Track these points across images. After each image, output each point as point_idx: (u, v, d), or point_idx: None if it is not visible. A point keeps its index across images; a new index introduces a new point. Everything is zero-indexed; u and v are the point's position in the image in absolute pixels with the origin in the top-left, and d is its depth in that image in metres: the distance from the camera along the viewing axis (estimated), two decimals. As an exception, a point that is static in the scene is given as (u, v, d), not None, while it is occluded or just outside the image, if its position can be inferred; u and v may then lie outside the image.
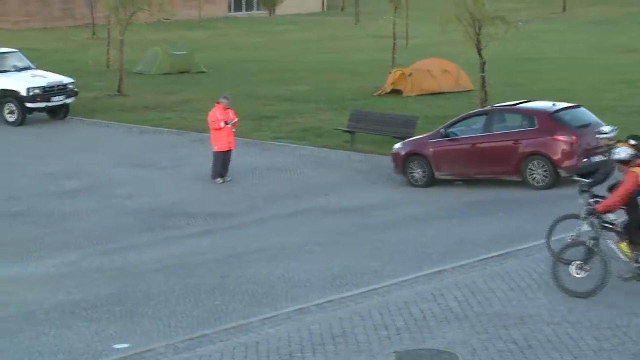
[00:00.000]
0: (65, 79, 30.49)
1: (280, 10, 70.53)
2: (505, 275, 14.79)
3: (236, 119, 23.01)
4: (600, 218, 13.83)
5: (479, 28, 27.78)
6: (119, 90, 34.18)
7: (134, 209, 20.28)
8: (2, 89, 29.23)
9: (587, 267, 13.58)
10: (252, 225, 19.02)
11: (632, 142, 14.09)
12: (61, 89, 30.01)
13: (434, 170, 21.89)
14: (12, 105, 29.20)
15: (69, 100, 30.21)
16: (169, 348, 12.78)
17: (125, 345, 13.00)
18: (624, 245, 13.85)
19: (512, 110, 21.85)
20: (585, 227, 13.94)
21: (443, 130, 22.18)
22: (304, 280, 15.60)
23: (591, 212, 13.85)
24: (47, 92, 29.57)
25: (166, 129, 28.56)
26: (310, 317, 13.64)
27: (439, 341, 12.35)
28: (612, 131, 15.26)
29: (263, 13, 71.60)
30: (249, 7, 72.73)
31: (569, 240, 14.30)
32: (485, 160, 21.19)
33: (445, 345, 12.20)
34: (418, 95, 33.11)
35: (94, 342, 13.20)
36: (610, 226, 13.92)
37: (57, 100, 29.78)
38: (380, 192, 21.48)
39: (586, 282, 13.58)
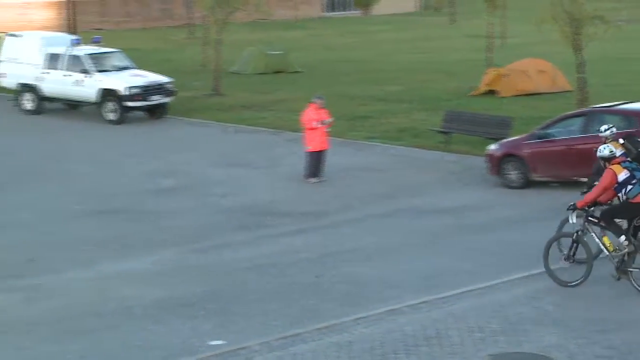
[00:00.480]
0: (164, 79, 30.96)
1: (374, 10, 70.47)
2: (603, 279, 14.51)
3: (330, 119, 23.05)
4: (586, 212, 14.51)
5: (578, 28, 27.30)
6: (215, 90, 34.57)
7: (228, 208, 20.48)
8: (103, 89, 29.81)
9: (573, 257, 14.55)
10: (346, 225, 19.04)
11: (621, 141, 15.01)
12: (159, 89, 30.49)
13: (530, 172, 21.60)
14: (112, 104, 29.76)
15: (166, 100, 30.67)
16: (263, 346, 12.88)
17: (220, 342, 13.14)
18: (606, 239, 14.53)
19: (611, 111, 21.41)
20: (574, 220, 14.63)
21: (539, 131, 21.88)
22: (398, 281, 15.54)
23: (574, 207, 14.57)
24: (146, 91, 30.06)
25: (261, 129, 28.78)
26: (404, 318, 13.59)
27: (534, 345, 12.18)
28: (607, 130, 16.30)
29: (357, 13, 71.63)
30: (344, 8, 72.84)
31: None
32: (583, 162, 20.80)
33: (541, 349, 12.03)
34: (513, 96, 32.72)
35: (190, 338, 13.38)
36: (595, 220, 14.53)
37: (155, 100, 30.26)
38: (474, 193, 21.29)
39: (573, 272, 14.52)
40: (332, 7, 72.42)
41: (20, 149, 26.16)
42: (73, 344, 13.23)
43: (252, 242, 18.05)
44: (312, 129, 22.75)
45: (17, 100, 31.29)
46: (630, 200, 14.20)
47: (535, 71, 34.00)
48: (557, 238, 15.14)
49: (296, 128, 26.01)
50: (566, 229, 15.25)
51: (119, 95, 29.64)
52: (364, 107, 31.72)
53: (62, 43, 31.22)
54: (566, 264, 14.68)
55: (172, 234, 18.66)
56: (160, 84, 30.57)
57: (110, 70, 30.49)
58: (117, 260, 17.07)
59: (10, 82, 31.54)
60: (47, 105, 31.06)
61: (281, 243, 17.95)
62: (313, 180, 22.64)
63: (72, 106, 31.35)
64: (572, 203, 14.77)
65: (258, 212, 20.10)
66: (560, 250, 15.06)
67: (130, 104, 29.76)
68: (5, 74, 31.63)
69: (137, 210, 20.28)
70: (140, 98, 29.89)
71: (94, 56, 30.53)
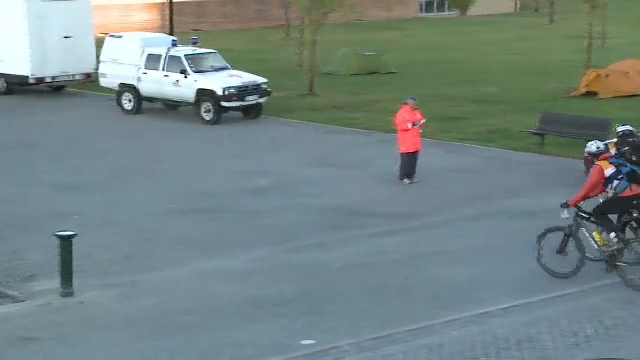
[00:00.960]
0: (258, 79, 31.23)
1: (470, 11, 69.92)
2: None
3: (423, 120, 22.95)
4: (578, 207, 15.09)
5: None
6: (309, 90, 34.73)
7: (320, 208, 20.56)
8: (198, 89, 30.22)
9: (565, 251, 15.16)
10: (437, 227, 18.94)
11: (617, 140, 15.66)
12: (254, 89, 30.76)
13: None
14: (207, 104, 30.15)
15: (261, 100, 30.93)
16: (353, 346, 12.90)
17: (311, 342, 13.20)
18: (597, 235, 15.12)
19: None
20: (567, 215, 15.23)
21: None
22: (489, 284, 15.40)
23: (567, 205, 15.16)
24: (241, 91, 30.36)
25: (354, 129, 28.81)
26: (495, 321, 13.46)
27: (631, 351, 11.94)
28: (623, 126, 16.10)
29: (453, 14, 71.18)
30: (439, 8, 72.45)
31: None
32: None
33: (638, 356, 11.78)
34: (612, 97, 32.11)
35: (281, 337, 13.47)
36: (587, 216, 15.12)
37: (250, 100, 30.54)
38: (569, 196, 20.92)
39: (565, 264, 15.15)
40: (427, 8, 72.10)
41: (118, 148, 26.69)
42: (167, 341, 13.46)
43: (344, 243, 18.09)
44: (404, 130, 22.68)
45: (116, 100, 31.92)
46: (619, 195, 14.63)
47: (636, 72, 33.29)
48: (551, 231, 15.50)
49: (389, 129, 25.98)
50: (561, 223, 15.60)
51: (214, 95, 30.00)
52: (458, 109, 31.51)
53: (160, 44, 31.75)
54: (559, 257, 15.26)
55: (264, 234, 18.82)
56: (255, 85, 30.85)
57: (206, 71, 30.88)
58: (211, 259, 17.29)
59: (110, 83, 32.19)
60: (145, 105, 31.62)
61: (372, 244, 17.95)
62: (405, 181, 22.57)
63: (168, 106, 31.86)
64: (565, 201, 15.32)
65: (350, 212, 20.14)
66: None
67: (225, 104, 30.09)
68: (105, 74, 32.31)
69: (231, 210, 20.50)
70: (235, 98, 30.20)
71: (190, 57, 30.97)
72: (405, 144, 22.68)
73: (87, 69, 34.75)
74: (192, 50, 31.59)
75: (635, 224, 15.29)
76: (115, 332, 13.91)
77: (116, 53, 31.98)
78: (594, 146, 15.23)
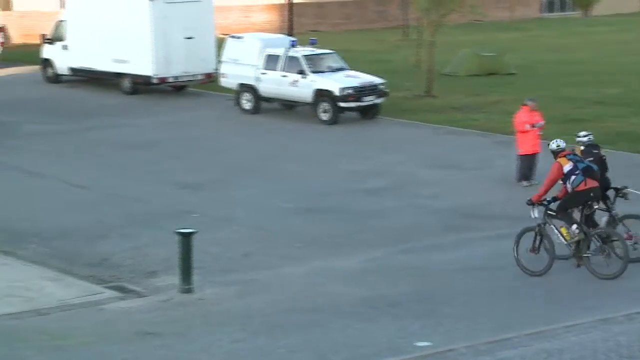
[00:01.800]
0: (376, 80, 31.24)
1: (595, 10, 68.46)
2: None
3: (542, 122, 22.60)
4: (545, 205, 15.91)
5: None
6: (427, 91, 34.57)
7: (436, 209, 20.46)
8: (317, 89, 30.41)
9: (536, 249, 15.95)
10: (558, 230, 18.60)
11: (582, 148, 16.98)
12: (372, 89, 30.79)
13: None
14: (326, 104, 30.31)
15: (379, 101, 30.93)
16: (470, 349, 12.80)
17: (427, 344, 13.15)
18: (563, 230, 15.89)
19: None
20: (536, 214, 16.02)
21: None
22: (612, 289, 15.09)
23: (531, 202, 16.08)
24: (359, 92, 30.43)
25: (472, 131, 28.56)
26: (618, 328, 13.19)
27: None
28: (586, 136, 17.39)
29: (577, 14, 69.81)
30: (563, 8, 71.17)
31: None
32: None
33: None
34: None
35: (396, 338, 13.46)
36: (553, 214, 15.95)
37: (368, 100, 30.57)
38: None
39: (537, 262, 15.81)
40: (550, 7, 70.91)
41: (237, 147, 27.08)
42: (283, 339, 13.60)
43: (461, 244, 17.97)
44: (524, 131, 22.38)
45: (237, 100, 32.38)
46: (575, 189, 15.54)
47: None
48: (524, 232, 16.23)
49: (508, 131, 25.66)
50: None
51: (332, 95, 30.14)
52: (579, 110, 30.90)
53: (280, 44, 32.06)
54: (532, 255, 15.97)
55: (380, 234, 18.83)
56: (373, 85, 30.87)
57: (325, 72, 31.04)
58: (327, 258, 17.40)
59: (231, 83, 32.67)
60: (264, 105, 31.98)
61: (490, 246, 17.77)
62: (525, 183, 22.27)
63: (287, 106, 32.15)
64: (529, 198, 16.24)
65: (466, 214, 19.98)
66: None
67: (343, 104, 30.20)
68: (226, 74, 32.80)
69: (347, 210, 20.58)
70: (354, 99, 30.28)
71: (309, 57, 31.18)
72: (525, 145, 22.37)
73: (209, 69, 35.33)
74: (312, 50, 31.80)
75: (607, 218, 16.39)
76: (233, 328, 14.13)
77: (237, 53, 32.43)
78: (553, 144, 16.23)
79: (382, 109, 31.01)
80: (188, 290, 15.64)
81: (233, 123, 30.77)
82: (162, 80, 34.79)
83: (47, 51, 37.50)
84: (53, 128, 28.96)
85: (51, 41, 37.33)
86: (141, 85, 35.17)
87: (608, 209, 16.54)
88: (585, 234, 15.63)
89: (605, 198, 16.50)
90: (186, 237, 15.72)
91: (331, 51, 32.62)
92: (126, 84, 35.27)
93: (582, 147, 17.01)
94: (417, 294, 15.30)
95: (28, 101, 33.47)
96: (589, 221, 15.88)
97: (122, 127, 29.45)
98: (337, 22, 59.33)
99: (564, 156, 15.81)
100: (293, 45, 31.72)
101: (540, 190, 16.11)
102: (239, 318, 14.54)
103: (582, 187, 15.55)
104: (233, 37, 33.53)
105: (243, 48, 32.45)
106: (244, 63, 32.07)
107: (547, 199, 16.03)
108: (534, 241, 16.05)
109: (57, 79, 37.24)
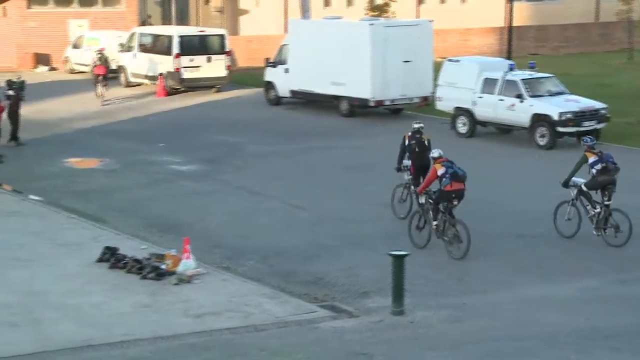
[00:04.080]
0: (598, 104, 30.43)
1: None
2: None
3: None
4: (427, 195, 19.69)
5: None
6: (652, 116, 33.30)
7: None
8: (535, 113, 29.93)
9: (420, 227, 19.75)
10: None
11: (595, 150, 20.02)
12: (593, 114, 30.01)
13: None
14: (543, 129, 29.78)
15: (599, 126, 30.10)
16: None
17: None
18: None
19: None
20: (422, 200, 19.93)
21: None
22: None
23: (415, 192, 20.63)
24: (579, 116, 29.72)
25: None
26: None
27: None
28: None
29: None
30: None
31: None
32: None
33: None
34: None
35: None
36: (430, 203, 19.62)
37: (588, 125, 29.81)
38: None
39: (421, 238, 19.51)
40: None
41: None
42: (493, 365, 13.41)
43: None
44: None
45: (452, 123, 32.33)
46: (442, 189, 19.17)
47: None
48: (413, 214, 20.11)
49: None
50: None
51: (551, 120, 29.59)
52: None
53: (498, 68, 31.80)
54: (417, 232, 19.64)
55: (595, 262, 18.30)
56: (594, 110, 30.09)
57: (543, 95, 30.53)
58: (538, 285, 17.10)
59: (447, 106, 32.66)
60: (480, 129, 31.76)
61: None
62: None
63: (503, 130, 31.80)
64: (415, 189, 20.67)
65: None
66: None
67: (562, 129, 29.59)
68: (442, 97, 32.83)
69: (559, 236, 20.09)
70: (573, 124, 29.61)
71: (528, 81, 30.75)
72: None
73: (426, 92, 35.47)
74: (530, 74, 31.36)
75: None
76: (443, 353, 14.09)
77: (454, 77, 32.39)
78: (435, 152, 19.70)
79: (602, 134, 30.14)
80: (400, 313, 15.73)
81: (448, 146, 30.69)
82: (379, 103, 35.20)
83: (270, 74, 38.80)
84: (275, 149, 29.87)
85: (274, 64, 38.58)
86: (358, 108, 35.72)
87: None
88: (443, 223, 19.23)
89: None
90: (399, 260, 15.82)
91: (550, 75, 32.04)
92: (344, 106, 35.92)
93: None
94: (637, 326, 14.75)
95: (252, 122, 34.66)
96: (450, 213, 19.31)
97: (339, 149, 30.00)
98: (557, 45, 58.21)
99: (440, 163, 19.30)
100: (511, 69, 31.38)
101: (422, 185, 19.90)
102: (449, 343, 14.49)
103: (448, 187, 19.10)
104: (450, 60, 33.53)
105: (460, 71, 32.39)
106: (460, 86, 32.00)
107: (433, 190, 19.56)
108: (418, 220, 19.85)
109: (278, 101, 38.44)
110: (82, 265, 18.01)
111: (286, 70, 37.77)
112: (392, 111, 36.52)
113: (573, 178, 20.12)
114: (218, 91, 41.41)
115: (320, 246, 19.86)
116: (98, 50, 40.73)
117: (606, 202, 19.59)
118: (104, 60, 39.22)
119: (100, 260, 18.14)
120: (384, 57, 34.76)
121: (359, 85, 35.08)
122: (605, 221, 19.42)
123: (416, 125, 22.19)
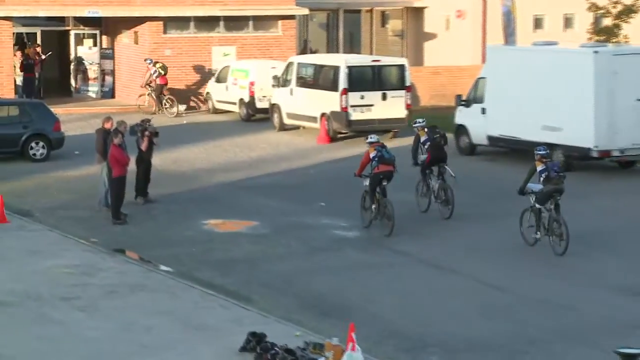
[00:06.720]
0: None
1: None
2: None
3: None
4: (365, 177, 27.31)
5: None
6: None
7: None
8: None
9: (366, 208, 27.51)
10: None
11: (426, 129, 29.39)
12: None
13: None
14: None
15: None
16: None
17: None
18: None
19: None
20: (366, 183, 27.34)
21: None
22: None
23: (355, 174, 27.69)
24: None
25: None
26: None
27: None
28: (423, 121, 29.65)
29: None
30: None
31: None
32: None
33: None
34: None
35: None
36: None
37: None
38: None
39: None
40: None
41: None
42: None
43: None
44: None
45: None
46: (373, 172, 26.62)
47: None
48: (363, 197, 27.57)
49: None
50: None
51: None
52: None
53: None
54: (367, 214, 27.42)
55: None
56: None
57: None
58: None
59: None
60: None
61: None
62: None
63: None
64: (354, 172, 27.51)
65: None
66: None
67: None
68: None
69: None
70: None
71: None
72: None
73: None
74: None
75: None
76: None
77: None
78: (373, 138, 27.15)
79: None
80: None
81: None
82: (605, 154, 34.50)
83: (462, 116, 38.68)
84: (468, 212, 29.41)
85: (467, 103, 38.47)
86: (576, 160, 35.00)
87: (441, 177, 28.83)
88: (378, 205, 26.96)
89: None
90: (631, 359, 15.41)
91: None
92: (558, 157, 35.37)
93: (425, 129, 29.24)
94: None
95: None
96: (383, 192, 26.83)
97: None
98: None
99: (374, 147, 26.70)
100: None
101: (358, 169, 27.43)
102: None
103: (376, 170, 26.64)
104: None
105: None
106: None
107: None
108: (365, 201, 27.60)
109: (472, 149, 38.23)
110: (221, 356, 18.25)
111: (483, 111, 37.67)
112: (621, 164, 35.76)
113: (529, 184, 25.22)
114: (395, 136, 41.58)
115: (525, 339, 19.57)
116: (152, 60, 47.61)
117: (551, 209, 24.76)
118: (165, 69, 46.83)
119: (243, 349, 18.34)
120: (612, 94, 34.13)
121: (577, 130, 34.48)
122: (551, 228, 24.79)
123: (417, 125, 29.59)
